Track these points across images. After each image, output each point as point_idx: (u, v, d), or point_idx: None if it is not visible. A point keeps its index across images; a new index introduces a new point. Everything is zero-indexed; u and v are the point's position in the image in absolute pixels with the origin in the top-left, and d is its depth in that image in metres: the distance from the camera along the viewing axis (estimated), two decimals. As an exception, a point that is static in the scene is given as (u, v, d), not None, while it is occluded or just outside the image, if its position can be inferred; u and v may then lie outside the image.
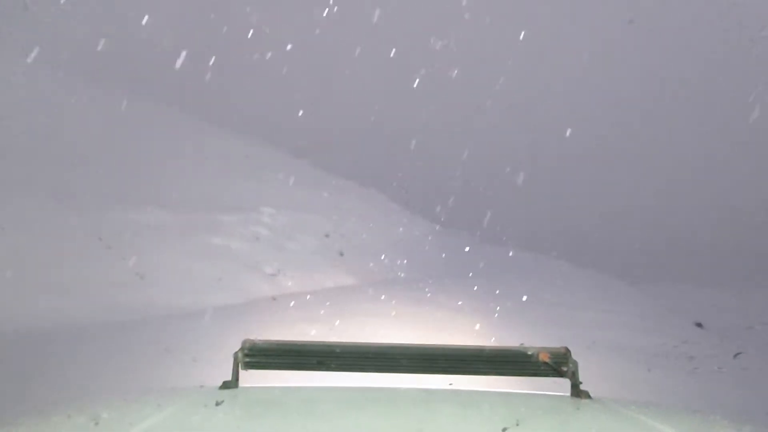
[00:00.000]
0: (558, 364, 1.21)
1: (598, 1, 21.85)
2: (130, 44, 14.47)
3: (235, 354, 1.25)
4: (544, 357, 1.21)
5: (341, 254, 10.07)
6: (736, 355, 5.11)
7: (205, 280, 6.87)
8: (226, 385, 1.26)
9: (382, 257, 10.76)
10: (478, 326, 5.52)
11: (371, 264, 10.22)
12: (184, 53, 11.66)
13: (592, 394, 1.24)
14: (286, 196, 11.31)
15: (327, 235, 10.48)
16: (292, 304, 6.38)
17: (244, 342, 1.26)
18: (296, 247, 9.48)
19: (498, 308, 6.59)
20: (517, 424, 0.99)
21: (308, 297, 6.92)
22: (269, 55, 17.75)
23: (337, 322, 5.03)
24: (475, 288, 8.16)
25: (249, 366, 1.24)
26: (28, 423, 1.08)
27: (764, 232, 16.60)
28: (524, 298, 7.74)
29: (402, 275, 10.26)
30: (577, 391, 1.23)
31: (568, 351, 1.23)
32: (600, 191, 20.39)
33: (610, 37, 21.94)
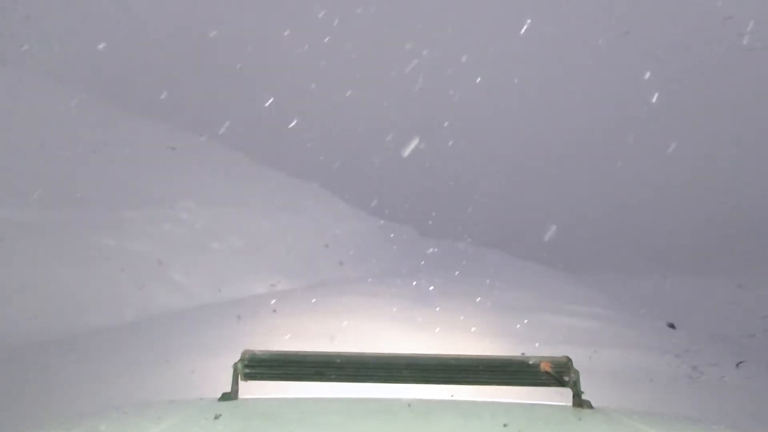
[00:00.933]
0: (559, 374, 1.39)
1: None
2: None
3: (235, 365, 1.40)
4: (545, 366, 1.39)
5: (275, 254, 10.21)
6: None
7: (78, 294, 6.41)
8: (225, 397, 1.42)
9: (322, 256, 11.14)
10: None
11: (309, 264, 10.49)
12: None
13: (594, 404, 1.42)
14: (214, 189, 11.40)
15: (258, 240, 10.51)
16: (197, 321, 6.24)
17: (244, 353, 1.41)
18: (220, 247, 9.41)
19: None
20: None
21: (226, 309, 6.86)
22: (199, 37, 19.20)
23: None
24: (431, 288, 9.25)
25: (248, 377, 1.40)
26: None
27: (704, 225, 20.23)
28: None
29: (341, 274, 10.68)
30: (578, 401, 1.41)
31: (569, 360, 1.42)
32: (548, 190, 22.92)
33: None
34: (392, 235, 14.95)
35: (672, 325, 9.01)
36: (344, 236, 12.77)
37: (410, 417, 1.34)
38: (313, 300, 7.67)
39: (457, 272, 12.03)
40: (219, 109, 19.09)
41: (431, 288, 9.31)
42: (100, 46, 15.85)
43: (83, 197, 8.89)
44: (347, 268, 11.08)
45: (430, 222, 17.29)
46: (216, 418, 1.23)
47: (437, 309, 7.41)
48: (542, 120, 25.28)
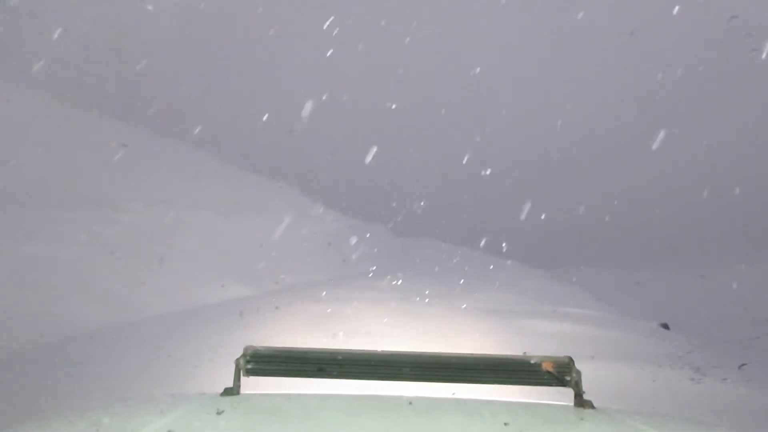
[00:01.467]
0: (561, 374, 1.52)
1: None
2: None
3: (237, 360, 1.52)
4: (547, 366, 1.53)
5: (237, 261, 10.18)
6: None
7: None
8: (227, 392, 1.54)
9: (288, 260, 11.28)
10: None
11: (272, 270, 10.54)
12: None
13: (595, 404, 1.56)
14: (171, 190, 11.44)
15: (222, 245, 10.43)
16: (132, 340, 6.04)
17: (246, 348, 1.54)
18: (164, 251, 9.22)
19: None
20: None
21: (176, 323, 6.74)
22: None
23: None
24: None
25: (251, 372, 1.52)
26: (29, 428, 1.32)
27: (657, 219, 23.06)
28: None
29: (307, 278, 10.82)
30: (580, 401, 1.55)
31: (571, 360, 1.55)
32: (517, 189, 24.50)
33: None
34: (368, 235, 15.34)
35: (665, 326, 9.43)
36: (317, 237, 13.01)
37: (412, 415, 1.46)
38: (277, 305, 7.71)
39: (436, 267, 12.39)
40: (189, 110, 19.89)
41: (416, 299, 9.25)
42: (55, 39, 15.98)
43: (12, 197, 8.66)
44: (320, 271, 11.22)
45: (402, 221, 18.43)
46: (218, 413, 1.35)
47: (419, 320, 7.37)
48: (519, 120, 26.71)
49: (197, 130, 16.22)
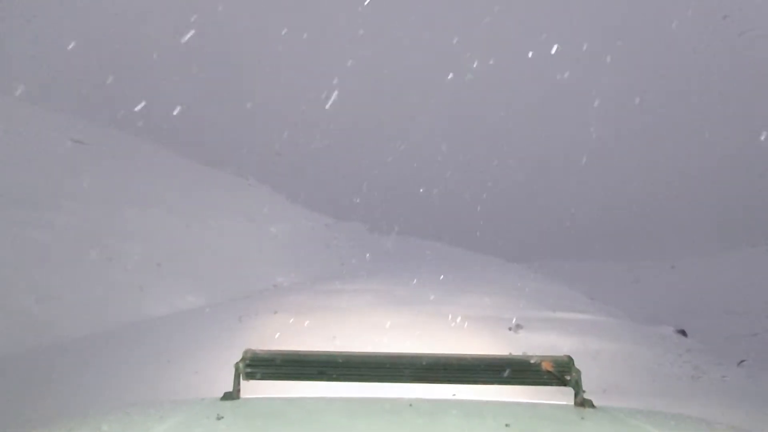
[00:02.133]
0: (561, 373, 1.67)
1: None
2: None
3: (236, 364, 1.64)
4: (547, 366, 1.67)
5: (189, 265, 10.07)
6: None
7: None
8: (227, 396, 1.66)
9: (252, 263, 11.26)
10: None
11: (233, 275, 10.46)
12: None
13: (595, 403, 1.70)
14: (120, 187, 11.32)
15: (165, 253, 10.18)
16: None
17: (245, 352, 1.66)
18: (99, 257, 8.82)
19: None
20: None
21: (100, 342, 6.47)
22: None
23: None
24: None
25: (250, 376, 1.64)
26: None
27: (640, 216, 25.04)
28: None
29: (271, 283, 10.78)
30: (580, 400, 1.69)
31: (571, 360, 1.69)
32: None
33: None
34: (342, 233, 15.61)
35: (683, 332, 9.65)
36: (289, 236, 13.14)
37: (412, 416, 1.59)
38: (241, 317, 7.53)
39: (415, 267, 12.57)
40: (152, 104, 19.91)
41: (391, 306, 8.79)
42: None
43: None
44: (287, 274, 11.25)
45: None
46: (218, 418, 1.46)
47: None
48: (501, 114, 27.60)
49: (160, 125, 16.45)
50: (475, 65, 26.96)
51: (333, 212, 18.15)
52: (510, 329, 7.78)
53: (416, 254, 16.03)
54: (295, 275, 11.61)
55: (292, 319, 7.45)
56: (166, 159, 15.12)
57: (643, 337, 8.19)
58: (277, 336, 6.58)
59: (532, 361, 1.69)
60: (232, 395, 1.67)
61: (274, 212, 14.47)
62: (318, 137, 23.73)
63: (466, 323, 7.58)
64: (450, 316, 7.86)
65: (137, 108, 15.63)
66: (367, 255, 14.56)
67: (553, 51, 28.04)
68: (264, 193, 16.26)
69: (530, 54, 28.57)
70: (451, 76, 28.23)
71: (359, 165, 24.39)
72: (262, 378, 1.66)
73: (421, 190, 23.92)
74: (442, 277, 11.38)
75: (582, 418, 1.61)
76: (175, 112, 20.65)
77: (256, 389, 1.72)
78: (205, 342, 6.39)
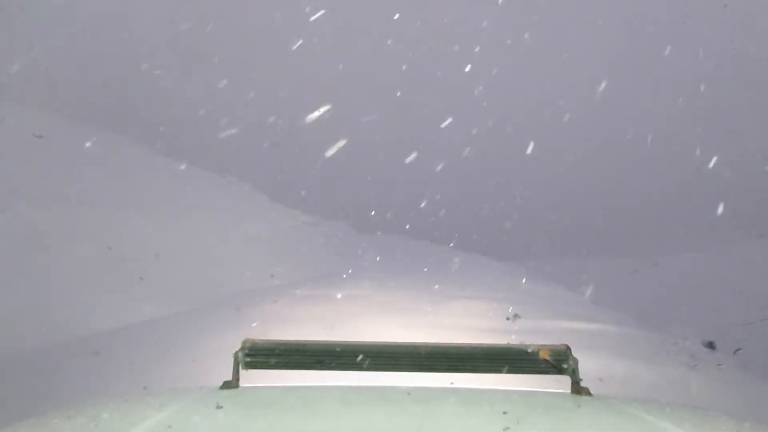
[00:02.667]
0: (558, 362, 1.71)
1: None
2: None
3: (235, 354, 1.69)
4: (544, 354, 1.71)
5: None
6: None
7: None
8: (226, 385, 1.71)
9: (228, 265, 10.89)
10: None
11: (204, 280, 9.95)
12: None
13: (592, 391, 1.75)
14: (80, 184, 10.96)
15: (157, 255, 9.65)
16: None
17: (244, 342, 1.71)
18: (48, 262, 8.18)
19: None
20: (519, 422, 1.44)
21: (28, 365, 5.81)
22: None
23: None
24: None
25: (249, 366, 1.69)
26: (28, 424, 1.44)
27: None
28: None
29: (245, 288, 10.24)
30: (577, 388, 1.73)
31: (568, 348, 1.73)
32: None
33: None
34: (325, 232, 15.52)
35: (711, 345, 9.55)
36: (263, 236, 12.87)
37: (410, 405, 1.63)
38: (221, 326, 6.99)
39: (402, 267, 12.50)
40: (124, 100, 20.26)
41: (370, 317, 7.99)
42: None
43: None
44: (265, 278, 10.97)
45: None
46: (218, 407, 1.50)
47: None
48: (479, 109, 27.89)
49: (133, 121, 16.26)
50: (468, 64, 27.16)
51: (316, 210, 18.03)
52: (508, 319, 7.85)
53: (404, 253, 15.97)
54: (272, 279, 11.33)
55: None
56: (139, 155, 14.85)
57: (677, 353, 7.30)
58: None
59: (529, 350, 1.74)
60: (231, 384, 1.72)
61: (252, 210, 14.35)
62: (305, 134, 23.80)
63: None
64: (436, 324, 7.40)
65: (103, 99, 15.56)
66: (347, 254, 14.50)
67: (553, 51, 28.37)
68: (243, 190, 16.13)
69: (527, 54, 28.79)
70: (439, 74, 28.43)
71: (351, 164, 24.52)
72: (261, 367, 1.70)
73: (414, 190, 24.02)
74: (437, 287, 10.82)
75: (579, 406, 1.65)
76: (147, 105, 20.52)
77: (256, 379, 1.76)
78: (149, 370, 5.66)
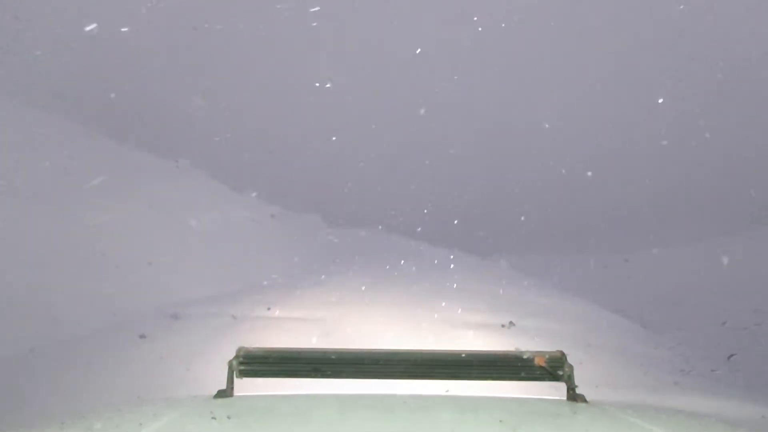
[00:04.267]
0: (554, 368, 1.78)
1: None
2: None
3: (230, 362, 1.74)
4: (539, 361, 1.78)
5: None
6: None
7: None
8: (221, 394, 1.76)
9: (172, 268, 10.04)
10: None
11: (139, 285, 9.15)
12: None
13: (588, 398, 1.82)
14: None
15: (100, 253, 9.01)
16: None
17: (239, 350, 1.75)
18: None
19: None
20: (515, 430, 1.50)
21: None
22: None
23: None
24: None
25: (244, 374, 1.74)
26: None
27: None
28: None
29: (189, 296, 9.37)
30: (573, 395, 1.81)
31: (563, 355, 1.81)
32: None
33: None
34: (292, 226, 15.11)
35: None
36: (217, 229, 12.18)
37: (406, 412, 1.68)
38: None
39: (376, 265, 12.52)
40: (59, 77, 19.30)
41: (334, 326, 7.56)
42: None
43: None
44: (214, 283, 10.08)
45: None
46: (212, 416, 1.54)
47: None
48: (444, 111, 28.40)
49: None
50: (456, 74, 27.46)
51: (283, 202, 17.34)
52: (503, 326, 7.89)
53: (378, 250, 15.54)
54: (226, 282, 10.35)
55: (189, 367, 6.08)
56: (71, 132, 13.88)
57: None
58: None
59: (525, 357, 1.81)
60: (225, 393, 1.77)
61: (206, 200, 13.40)
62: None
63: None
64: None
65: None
66: (315, 252, 13.94)
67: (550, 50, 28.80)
68: (197, 175, 15.08)
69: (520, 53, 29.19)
70: (429, 75, 28.76)
71: (320, 149, 24.56)
72: (256, 375, 1.76)
73: (389, 181, 24.14)
74: (414, 286, 10.47)
75: (574, 413, 1.72)
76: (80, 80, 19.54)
77: (250, 387, 1.81)
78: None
